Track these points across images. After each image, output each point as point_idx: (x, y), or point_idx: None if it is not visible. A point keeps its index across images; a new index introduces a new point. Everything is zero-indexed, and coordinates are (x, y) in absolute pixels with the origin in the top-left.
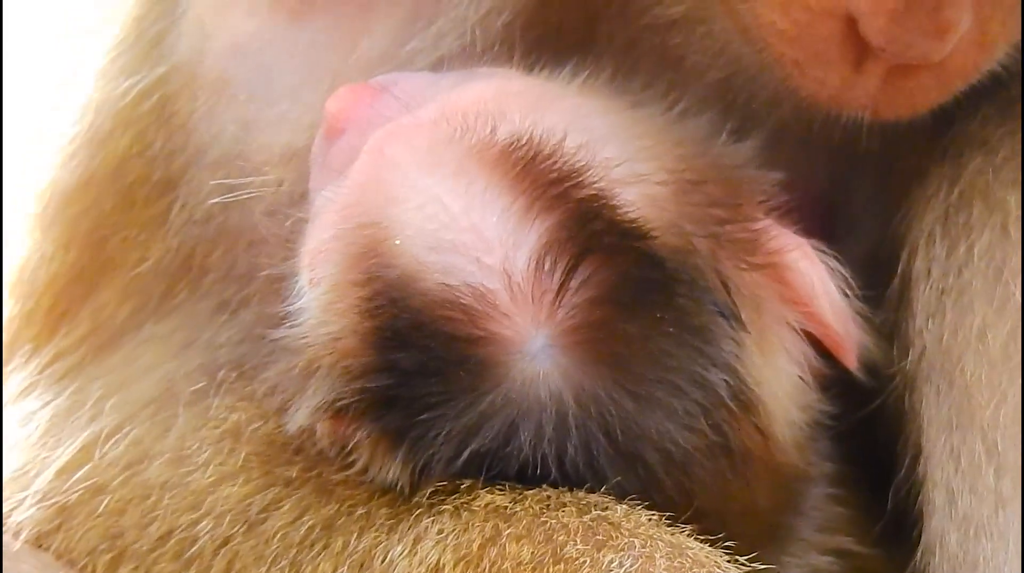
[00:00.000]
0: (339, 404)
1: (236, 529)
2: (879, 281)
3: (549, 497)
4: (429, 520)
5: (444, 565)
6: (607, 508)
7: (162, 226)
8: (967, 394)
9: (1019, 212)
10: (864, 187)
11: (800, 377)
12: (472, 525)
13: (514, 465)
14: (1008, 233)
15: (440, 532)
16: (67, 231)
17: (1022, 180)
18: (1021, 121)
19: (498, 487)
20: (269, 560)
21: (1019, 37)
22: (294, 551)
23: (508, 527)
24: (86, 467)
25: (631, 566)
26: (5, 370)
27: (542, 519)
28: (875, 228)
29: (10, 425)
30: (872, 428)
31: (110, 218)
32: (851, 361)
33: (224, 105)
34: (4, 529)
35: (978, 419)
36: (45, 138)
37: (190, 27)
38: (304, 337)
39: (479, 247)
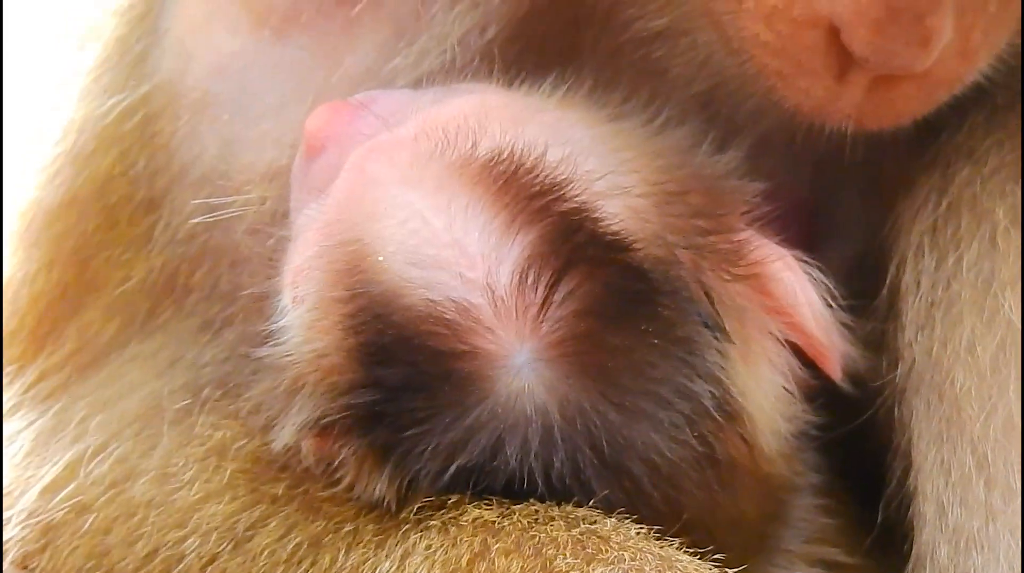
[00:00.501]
0: (325, 421)
1: (223, 547)
2: (865, 291)
3: (537, 511)
4: (417, 536)
5: None
6: (596, 521)
7: (146, 245)
8: (957, 406)
9: (1007, 222)
10: (849, 197)
11: (785, 387)
12: (460, 540)
13: (501, 480)
14: (996, 244)
15: (428, 548)
16: (51, 250)
17: (1022, 191)
18: (1022, 133)
19: (485, 502)
20: None
21: (1000, 48)
22: (281, 568)
23: (496, 542)
24: (71, 486)
25: None
26: None
27: (531, 533)
28: (860, 238)
29: None
30: (862, 440)
31: (94, 237)
32: (835, 371)
33: (207, 124)
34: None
35: (968, 431)
36: (35, 151)
37: (172, 46)
38: (289, 355)
39: (462, 262)
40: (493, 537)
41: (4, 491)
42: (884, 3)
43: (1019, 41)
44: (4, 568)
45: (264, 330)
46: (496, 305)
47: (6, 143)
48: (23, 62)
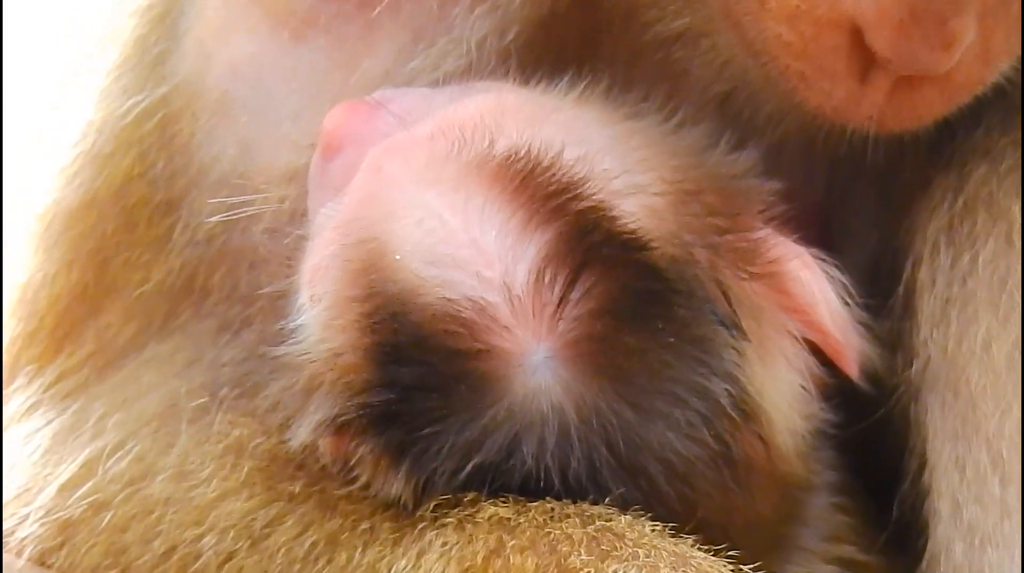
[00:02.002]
0: (341, 420)
1: (240, 544)
2: (881, 290)
3: (553, 509)
4: (433, 534)
5: None
6: (611, 519)
7: (164, 247)
8: (972, 404)
9: (1023, 221)
10: (866, 196)
11: (802, 386)
12: (476, 538)
13: (517, 478)
14: (1012, 243)
15: (444, 545)
16: (70, 252)
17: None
18: (1022, 132)
19: (501, 500)
20: None
21: (1021, 50)
22: (298, 566)
23: (512, 539)
24: (89, 483)
25: None
26: (7, 390)
27: (546, 530)
28: (877, 237)
29: (14, 444)
30: (878, 438)
31: (113, 239)
32: (852, 369)
33: (226, 125)
34: (6, 548)
35: (983, 429)
36: (44, 146)
37: (192, 48)
38: (305, 353)
39: (479, 261)
40: (508, 534)
41: (23, 489)
42: (908, 5)
43: None
44: (21, 564)
45: (281, 329)
46: (513, 304)
47: (6, 143)
48: (23, 62)
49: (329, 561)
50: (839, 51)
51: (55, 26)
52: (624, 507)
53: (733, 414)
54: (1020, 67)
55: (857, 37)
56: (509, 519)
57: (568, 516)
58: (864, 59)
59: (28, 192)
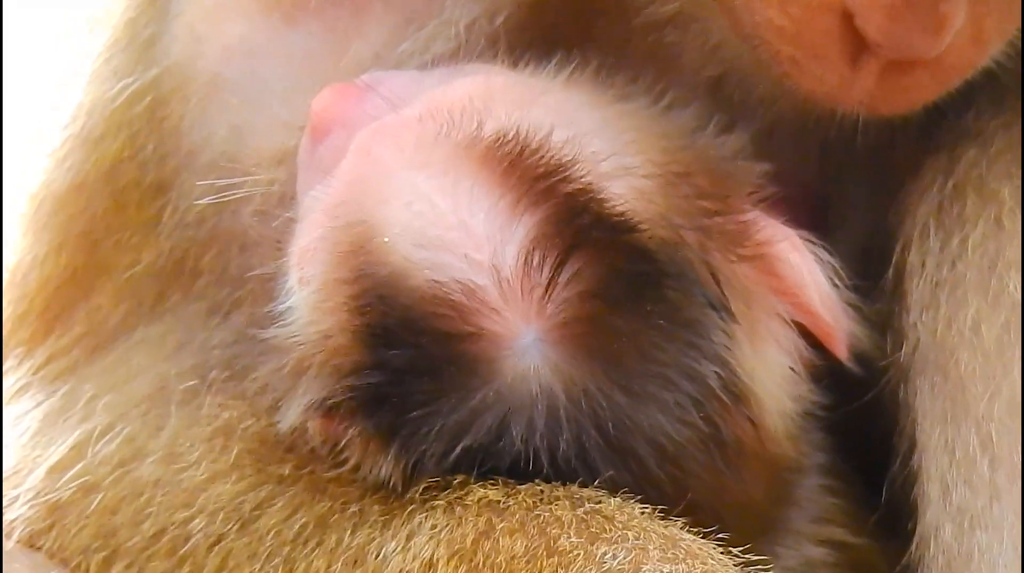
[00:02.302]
0: (330, 402)
1: (229, 527)
2: (871, 272)
3: (542, 491)
4: (422, 516)
5: (438, 560)
6: (600, 501)
7: (155, 229)
8: (961, 386)
9: (1012, 203)
10: (856, 179)
11: (791, 368)
12: (465, 520)
13: (506, 460)
14: (1002, 225)
15: (433, 527)
16: (60, 234)
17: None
18: (1021, 116)
19: (491, 482)
20: (263, 557)
21: (1013, 34)
22: (288, 548)
23: (501, 521)
24: (78, 465)
25: (624, 558)
26: None
27: (535, 513)
28: (867, 219)
29: (3, 426)
30: (867, 420)
31: (103, 221)
32: (841, 351)
33: (216, 108)
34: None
35: (973, 411)
36: (41, 139)
37: (182, 30)
38: (294, 336)
39: (467, 243)
40: (498, 516)
41: (12, 470)
42: None
43: None
44: (10, 546)
45: (271, 311)
46: (502, 286)
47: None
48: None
49: (318, 543)
50: (830, 35)
51: (55, 26)
52: (614, 489)
53: (723, 396)
54: (1016, 51)
55: (848, 21)
56: (498, 501)
57: (558, 498)
58: (855, 43)
59: (19, 175)
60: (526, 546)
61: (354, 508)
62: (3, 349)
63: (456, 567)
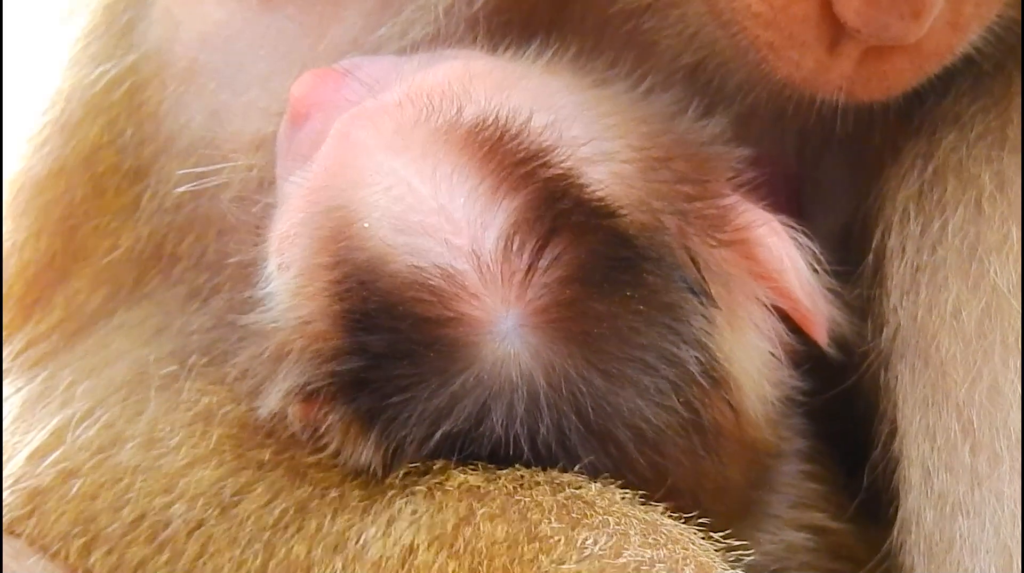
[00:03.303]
0: (310, 387)
1: (209, 512)
2: (851, 257)
3: (522, 476)
4: (402, 501)
5: (418, 545)
6: (581, 486)
7: (133, 214)
8: (942, 372)
9: (992, 187)
10: (836, 163)
11: (771, 353)
12: (446, 505)
13: (486, 445)
14: (982, 209)
15: (414, 513)
16: (38, 219)
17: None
18: (1022, 105)
19: (471, 467)
20: (243, 542)
21: (991, 19)
22: (268, 533)
23: (482, 507)
24: (58, 451)
25: (605, 543)
26: None
27: (516, 498)
28: (847, 204)
29: None
30: (848, 405)
31: (81, 206)
32: (821, 336)
33: (194, 93)
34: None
35: (953, 397)
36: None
37: (160, 15)
38: (274, 321)
39: (447, 228)
40: (478, 502)
41: None
42: None
43: (1010, 13)
44: None
45: (250, 297)
46: (481, 271)
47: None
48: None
49: (299, 529)
50: (808, 21)
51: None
52: (594, 474)
53: (702, 381)
54: (990, 38)
55: (826, 7)
56: (479, 487)
57: (538, 484)
58: (833, 29)
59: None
60: (507, 531)
61: (334, 493)
62: None
63: (437, 552)
